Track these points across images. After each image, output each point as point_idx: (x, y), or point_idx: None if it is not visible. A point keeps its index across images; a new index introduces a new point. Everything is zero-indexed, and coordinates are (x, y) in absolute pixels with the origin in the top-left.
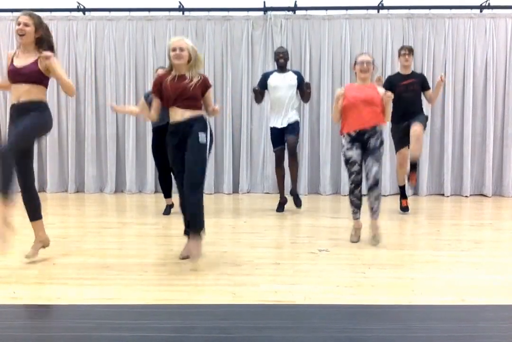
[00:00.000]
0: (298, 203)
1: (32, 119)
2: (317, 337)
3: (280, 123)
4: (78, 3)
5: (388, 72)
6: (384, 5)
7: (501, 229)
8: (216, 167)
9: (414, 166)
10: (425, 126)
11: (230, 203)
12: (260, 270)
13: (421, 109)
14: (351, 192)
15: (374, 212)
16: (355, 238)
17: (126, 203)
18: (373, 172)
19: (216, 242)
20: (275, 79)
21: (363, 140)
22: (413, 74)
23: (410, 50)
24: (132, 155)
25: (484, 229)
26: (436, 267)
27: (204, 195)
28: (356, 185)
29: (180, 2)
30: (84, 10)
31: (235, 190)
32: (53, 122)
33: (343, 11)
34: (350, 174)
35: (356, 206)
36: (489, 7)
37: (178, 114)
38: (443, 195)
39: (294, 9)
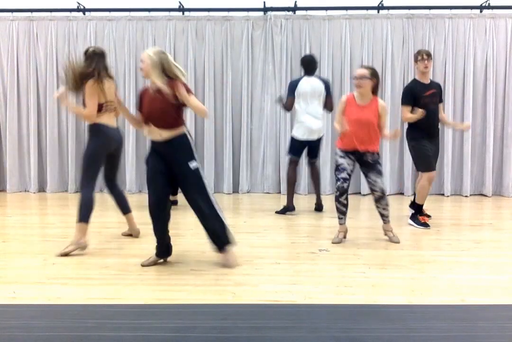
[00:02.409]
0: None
1: None
2: (317, 337)
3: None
4: (78, 3)
5: (388, 73)
6: (384, 5)
7: (501, 229)
8: (216, 168)
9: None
10: None
11: (230, 203)
12: (260, 270)
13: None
14: (336, 199)
15: (385, 217)
16: (337, 239)
17: None
18: (379, 184)
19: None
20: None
21: (358, 156)
22: (433, 83)
23: (429, 55)
24: (132, 155)
25: (484, 229)
26: (436, 267)
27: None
28: (341, 192)
29: (180, 2)
30: (84, 10)
31: (235, 190)
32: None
33: (343, 11)
34: (336, 180)
35: (341, 213)
36: (489, 7)
37: (156, 133)
38: (443, 194)
39: (294, 9)
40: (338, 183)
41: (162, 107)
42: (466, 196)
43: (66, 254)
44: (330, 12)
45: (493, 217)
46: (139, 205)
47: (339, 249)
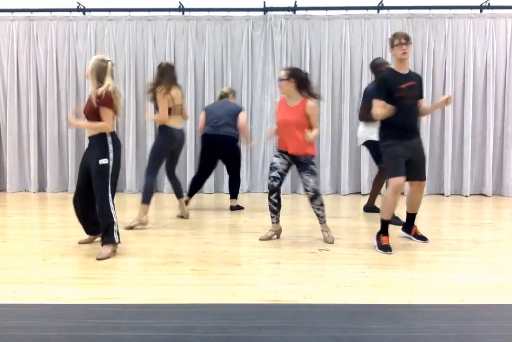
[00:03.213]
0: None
1: None
2: (317, 337)
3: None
4: (78, 3)
5: None
6: (384, 5)
7: (501, 229)
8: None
9: (414, 217)
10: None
11: (230, 203)
12: (260, 270)
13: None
14: (268, 197)
15: (320, 218)
16: (265, 237)
17: (126, 203)
18: (311, 184)
19: (216, 242)
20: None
21: (292, 156)
22: (412, 74)
23: (408, 39)
24: (132, 155)
25: (484, 229)
26: (436, 267)
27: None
28: (271, 190)
29: (180, 2)
30: (84, 10)
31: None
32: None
33: (343, 11)
34: (268, 178)
35: (272, 211)
36: (489, 7)
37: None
38: (443, 194)
39: (294, 9)
40: (269, 181)
41: (88, 109)
42: (466, 196)
43: (131, 228)
44: (330, 12)
45: (493, 217)
46: (139, 205)
47: (339, 249)
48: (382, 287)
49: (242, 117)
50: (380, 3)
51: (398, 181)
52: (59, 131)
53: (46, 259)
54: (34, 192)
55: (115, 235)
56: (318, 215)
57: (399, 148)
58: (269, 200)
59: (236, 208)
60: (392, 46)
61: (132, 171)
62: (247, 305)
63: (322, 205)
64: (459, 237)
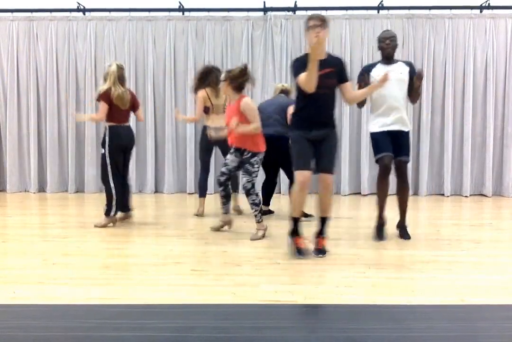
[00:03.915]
0: (407, 235)
1: None
2: (317, 337)
3: (396, 126)
4: (78, 3)
5: None
6: (384, 5)
7: (501, 229)
8: (216, 168)
9: (324, 222)
10: (334, 163)
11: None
12: (260, 270)
13: (333, 117)
14: (219, 190)
15: (254, 216)
16: (215, 227)
17: None
18: (243, 183)
19: (216, 242)
20: (381, 73)
21: (240, 152)
22: (330, 60)
23: (323, 21)
24: (132, 155)
25: (484, 229)
26: (436, 267)
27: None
28: (218, 184)
29: (180, 2)
30: (84, 10)
31: (235, 190)
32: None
33: (343, 11)
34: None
35: (222, 203)
36: (489, 7)
37: None
38: (443, 195)
39: (294, 9)
40: (218, 175)
41: None
42: (466, 196)
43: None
44: (330, 12)
45: (493, 217)
46: (139, 205)
47: (339, 249)
48: (382, 287)
49: (290, 111)
50: (380, 3)
51: (302, 175)
52: (59, 131)
53: (46, 259)
54: (34, 192)
55: (112, 209)
56: (253, 212)
57: (304, 140)
58: (219, 192)
59: (268, 212)
60: (307, 29)
61: (132, 170)
62: (247, 305)
63: (254, 204)
64: (459, 237)
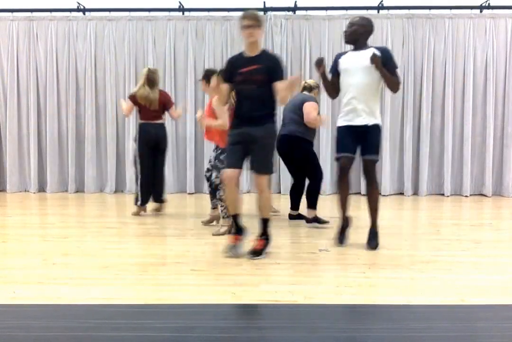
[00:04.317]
0: (373, 243)
1: None
2: (317, 337)
3: (357, 120)
4: (78, 3)
5: None
6: (384, 5)
7: (501, 229)
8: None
9: (265, 223)
10: (271, 167)
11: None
12: (260, 270)
13: (269, 115)
14: None
15: (220, 211)
16: (205, 220)
17: (126, 203)
18: (212, 178)
19: (216, 242)
20: (346, 60)
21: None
22: (261, 57)
23: (255, 19)
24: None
25: (484, 229)
26: (436, 267)
27: None
28: (206, 179)
29: (180, 2)
30: (84, 10)
31: None
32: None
33: (343, 11)
34: None
35: (210, 197)
36: (489, 7)
37: None
38: (443, 194)
39: (294, 9)
40: (205, 171)
41: None
42: (466, 196)
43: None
44: (330, 12)
45: (493, 217)
46: None
47: (339, 249)
48: (382, 287)
49: (305, 107)
50: (380, 3)
51: (226, 173)
52: (59, 131)
53: (46, 259)
54: (34, 192)
55: (138, 199)
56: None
57: (233, 138)
58: (208, 188)
59: (297, 217)
60: (240, 28)
61: (132, 170)
62: (247, 305)
63: (221, 200)
64: (459, 237)
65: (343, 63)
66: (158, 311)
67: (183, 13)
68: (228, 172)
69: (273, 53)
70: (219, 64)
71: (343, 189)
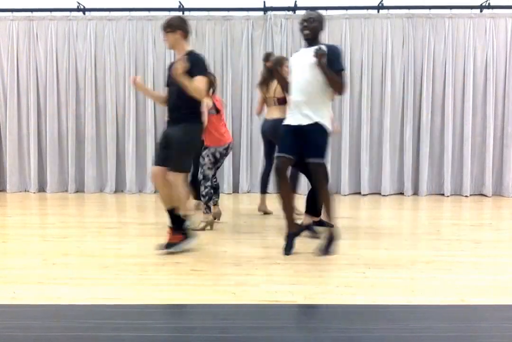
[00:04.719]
0: (325, 250)
1: None
2: (317, 337)
3: (294, 120)
4: (78, 3)
5: (388, 73)
6: (384, 5)
7: (501, 229)
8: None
9: (179, 219)
10: (183, 165)
11: (230, 203)
12: (260, 270)
13: (187, 114)
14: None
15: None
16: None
17: (126, 203)
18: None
19: (216, 242)
20: (295, 59)
21: None
22: (186, 56)
23: (167, 25)
24: (132, 155)
25: (484, 229)
26: (436, 267)
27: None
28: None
29: (180, 2)
30: (84, 10)
31: (235, 190)
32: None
33: (343, 11)
34: None
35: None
36: (489, 7)
37: None
38: (443, 194)
39: (294, 9)
40: None
41: None
42: (466, 196)
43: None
44: (330, 12)
45: (493, 217)
46: (139, 205)
47: (339, 249)
48: (382, 287)
49: None
50: (380, 3)
51: (151, 169)
52: (59, 131)
53: (46, 259)
54: (34, 192)
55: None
56: None
57: (162, 137)
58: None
59: (319, 224)
60: None
61: (132, 171)
62: (247, 305)
63: (202, 195)
64: (459, 237)
65: (292, 60)
66: (158, 311)
67: (183, 13)
68: (152, 169)
69: (198, 53)
70: (219, 64)
71: (283, 192)
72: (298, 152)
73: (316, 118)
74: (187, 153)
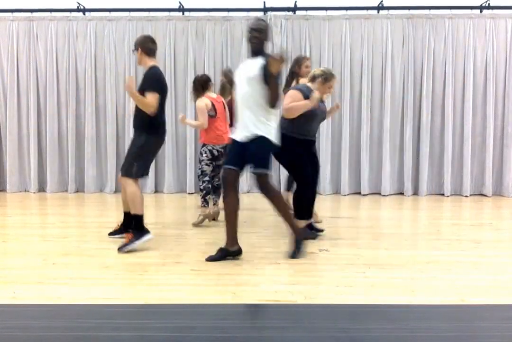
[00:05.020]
0: (293, 253)
1: None
2: (317, 337)
3: (238, 134)
4: (78, 3)
5: (388, 73)
6: (384, 5)
7: (501, 229)
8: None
9: (131, 219)
10: (132, 171)
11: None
12: (260, 270)
13: (141, 125)
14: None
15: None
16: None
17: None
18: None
19: (216, 242)
20: (238, 70)
21: None
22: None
23: (135, 45)
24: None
25: (484, 229)
26: (436, 267)
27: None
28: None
29: (180, 2)
30: (84, 10)
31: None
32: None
33: (343, 12)
34: None
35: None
36: (489, 7)
37: None
38: (443, 194)
39: (294, 9)
40: None
41: None
42: (466, 196)
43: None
44: (330, 12)
45: (493, 217)
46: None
47: (339, 249)
48: (382, 287)
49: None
50: (380, 3)
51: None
52: (59, 131)
53: (46, 259)
54: (34, 192)
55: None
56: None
57: None
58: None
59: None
60: None
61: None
62: (247, 305)
63: (200, 189)
64: (459, 237)
65: (236, 72)
66: (158, 311)
67: (183, 13)
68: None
69: (155, 70)
70: (219, 64)
71: (228, 204)
72: (243, 164)
73: (257, 132)
74: (136, 160)
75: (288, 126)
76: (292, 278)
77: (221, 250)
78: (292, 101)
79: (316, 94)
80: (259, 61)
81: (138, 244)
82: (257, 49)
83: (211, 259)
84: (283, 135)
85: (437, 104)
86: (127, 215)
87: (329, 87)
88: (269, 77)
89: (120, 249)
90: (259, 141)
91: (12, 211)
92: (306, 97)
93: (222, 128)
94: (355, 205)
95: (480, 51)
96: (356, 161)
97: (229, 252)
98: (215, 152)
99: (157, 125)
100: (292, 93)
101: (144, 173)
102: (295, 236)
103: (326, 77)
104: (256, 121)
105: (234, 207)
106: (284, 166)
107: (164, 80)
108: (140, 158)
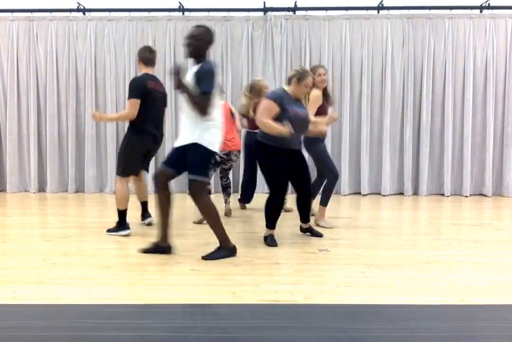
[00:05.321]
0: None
1: None
2: (317, 337)
3: (177, 142)
4: (78, 3)
5: (388, 73)
6: (384, 5)
7: (501, 229)
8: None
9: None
10: (119, 169)
11: (230, 203)
12: (260, 270)
13: (130, 127)
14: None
15: None
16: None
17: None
18: None
19: (216, 242)
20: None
21: None
22: None
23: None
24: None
25: (484, 229)
26: (436, 267)
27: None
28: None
29: (180, 3)
30: (84, 11)
31: (235, 190)
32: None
33: (343, 12)
34: None
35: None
36: (489, 7)
37: None
38: (443, 195)
39: (294, 9)
40: None
41: None
42: (466, 196)
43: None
44: (330, 12)
45: (493, 217)
46: (139, 205)
47: (339, 249)
48: (382, 287)
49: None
50: (380, 3)
51: None
52: (59, 131)
53: (46, 259)
54: (34, 192)
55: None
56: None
57: None
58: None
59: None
60: None
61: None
62: (247, 305)
63: None
64: (459, 237)
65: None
66: (158, 311)
67: (183, 13)
68: None
69: (139, 77)
70: (218, 64)
71: (160, 202)
72: (180, 168)
73: (193, 139)
74: (124, 160)
75: (264, 134)
76: (292, 278)
77: (153, 244)
78: (267, 114)
79: (285, 130)
80: (194, 69)
81: (114, 234)
82: (195, 55)
83: (144, 251)
84: (260, 143)
85: (437, 104)
86: (142, 203)
87: (305, 86)
88: (182, 91)
89: (107, 231)
90: (195, 149)
91: (12, 211)
92: (281, 104)
93: (226, 135)
94: (355, 205)
95: (480, 51)
96: (356, 161)
97: (161, 247)
98: (218, 158)
99: (141, 127)
100: (267, 105)
101: (130, 171)
102: (220, 243)
103: (300, 77)
104: (193, 128)
105: (162, 204)
106: (262, 173)
107: (144, 85)
108: (124, 158)
